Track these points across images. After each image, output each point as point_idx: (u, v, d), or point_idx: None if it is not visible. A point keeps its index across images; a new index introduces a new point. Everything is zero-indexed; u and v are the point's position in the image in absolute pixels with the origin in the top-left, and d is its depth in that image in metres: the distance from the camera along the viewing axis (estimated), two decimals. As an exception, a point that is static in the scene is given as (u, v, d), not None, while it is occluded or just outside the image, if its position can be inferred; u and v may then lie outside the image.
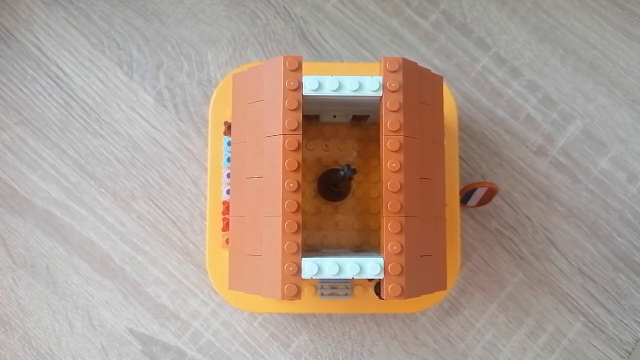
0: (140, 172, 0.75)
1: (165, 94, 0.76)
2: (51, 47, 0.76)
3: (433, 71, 0.65)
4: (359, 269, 0.54)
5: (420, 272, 0.56)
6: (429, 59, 0.77)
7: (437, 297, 0.66)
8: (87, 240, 0.74)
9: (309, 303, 0.66)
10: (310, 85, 0.55)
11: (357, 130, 0.68)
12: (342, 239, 0.67)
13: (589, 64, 0.77)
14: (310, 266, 0.53)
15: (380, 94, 0.55)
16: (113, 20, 0.77)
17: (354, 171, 0.58)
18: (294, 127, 0.54)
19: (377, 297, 0.66)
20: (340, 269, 0.54)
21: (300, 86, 0.54)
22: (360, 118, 0.66)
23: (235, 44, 0.77)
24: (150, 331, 0.73)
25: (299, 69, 0.55)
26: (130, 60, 0.76)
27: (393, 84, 0.55)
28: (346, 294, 0.65)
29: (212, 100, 0.69)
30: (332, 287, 0.65)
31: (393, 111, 0.54)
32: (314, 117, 0.66)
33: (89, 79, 0.76)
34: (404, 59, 0.55)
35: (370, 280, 0.66)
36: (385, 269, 0.54)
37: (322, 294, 0.65)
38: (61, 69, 0.76)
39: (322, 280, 0.65)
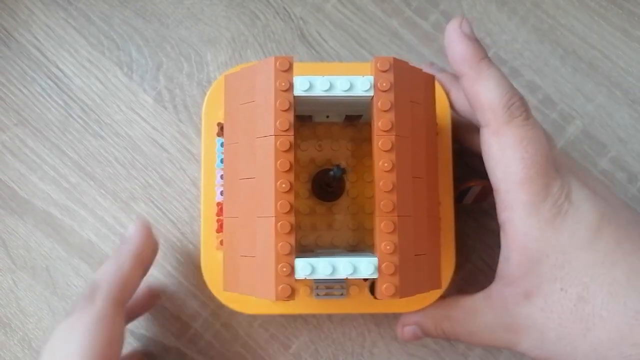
0: (140, 173, 0.75)
1: (165, 95, 0.76)
2: (51, 47, 0.77)
3: (431, 71, 0.65)
4: (352, 268, 0.54)
5: (415, 271, 0.55)
6: (428, 59, 0.77)
7: (433, 296, 0.66)
8: (87, 242, 0.75)
9: (303, 303, 0.66)
10: (301, 86, 0.55)
11: (351, 130, 0.68)
12: (337, 239, 0.67)
13: (588, 64, 0.77)
14: (304, 266, 0.53)
15: (371, 93, 0.55)
16: (112, 20, 0.77)
17: (343, 171, 0.58)
18: (286, 128, 0.54)
19: (372, 297, 0.66)
20: (334, 269, 0.54)
21: (291, 87, 0.54)
22: (353, 118, 0.66)
23: (235, 44, 0.77)
24: (150, 332, 0.73)
25: (290, 69, 0.54)
26: (130, 61, 0.77)
27: (384, 84, 0.54)
28: (342, 294, 0.65)
29: (204, 102, 0.69)
30: (328, 288, 0.65)
31: (384, 111, 0.54)
32: (307, 118, 0.66)
33: (88, 79, 0.76)
34: (394, 59, 0.55)
35: (365, 280, 0.66)
36: (379, 269, 0.53)
37: (318, 294, 0.65)
38: (61, 70, 0.77)
39: (317, 281, 0.65)
